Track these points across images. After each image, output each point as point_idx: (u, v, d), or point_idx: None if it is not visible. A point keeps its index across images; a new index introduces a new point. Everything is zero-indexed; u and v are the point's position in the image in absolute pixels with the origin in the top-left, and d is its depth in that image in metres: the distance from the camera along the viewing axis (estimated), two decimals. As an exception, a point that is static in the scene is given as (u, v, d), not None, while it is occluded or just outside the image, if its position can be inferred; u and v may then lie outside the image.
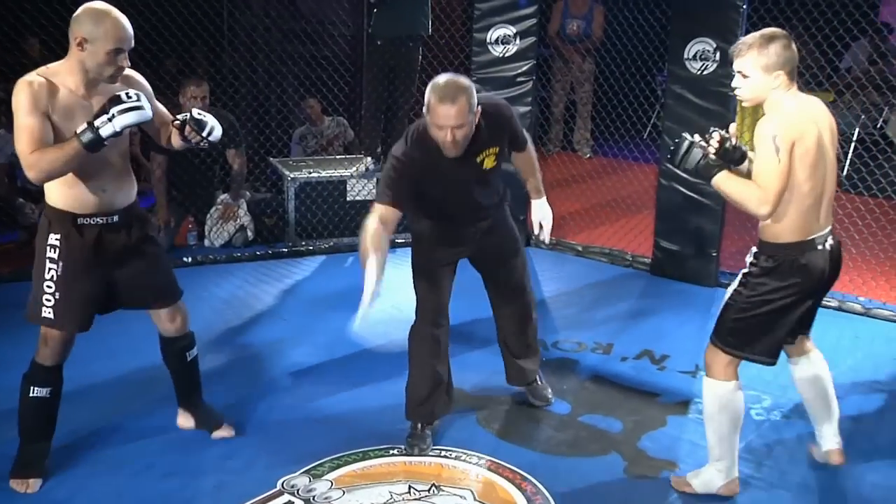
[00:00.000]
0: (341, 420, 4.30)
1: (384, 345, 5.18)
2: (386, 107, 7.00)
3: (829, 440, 3.87)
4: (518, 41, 6.60)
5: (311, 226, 6.77)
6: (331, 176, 6.80)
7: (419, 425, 4.09)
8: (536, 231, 4.30)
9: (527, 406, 4.47)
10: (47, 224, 3.56)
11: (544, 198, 4.30)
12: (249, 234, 6.75)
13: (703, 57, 5.87)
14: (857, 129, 8.88)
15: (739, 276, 3.61)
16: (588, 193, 8.04)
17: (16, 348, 4.95)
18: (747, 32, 6.03)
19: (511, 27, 6.59)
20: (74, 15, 3.34)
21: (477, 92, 3.71)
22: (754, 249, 3.57)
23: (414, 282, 4.15)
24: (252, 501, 3.63)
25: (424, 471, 3.88)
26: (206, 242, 6.71)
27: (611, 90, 7.86)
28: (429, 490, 3.73)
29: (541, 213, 4.28)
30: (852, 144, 8.86)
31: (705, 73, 5.89)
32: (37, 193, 6.70)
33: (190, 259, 6.49)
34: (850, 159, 8.78)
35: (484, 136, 3.81)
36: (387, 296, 5.84)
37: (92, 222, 3.56)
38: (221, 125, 6.34)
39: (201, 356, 4.52)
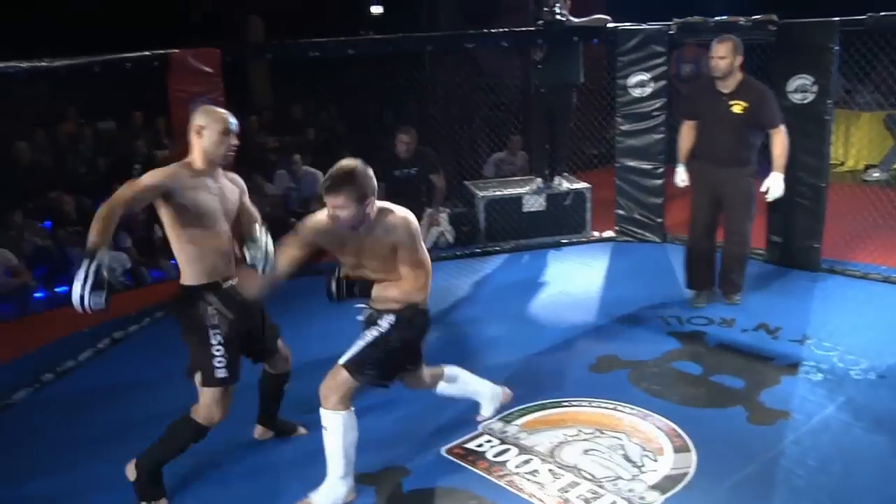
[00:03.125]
0: (526, 379, 4.32)
1: (556, 322, 5.19)
2: (549, 140, 6.98)
3: (486, 410, 3.89)
4: (652, 84, 6.45)
5: (496, 231, 6.81)
6: (511, 194, 6.85)
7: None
8: (763, 189, 5.03)
9: (667, 368, 4.40)
10: (198, 297, 3.20)
11: (779, 173, 4.99)
12: (450, 238, 6.87)
13: (802, 90, 5.56)
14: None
15: (383, 324, 3.27)
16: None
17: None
18: (840, 70, 5.73)
19: (646, 73, 6.45)
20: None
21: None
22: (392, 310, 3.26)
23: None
24: (461, 439, 3.73)
25: (589, 418, 3.87)
26: (418, 246, 6.88)
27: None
28: (593, 433, 3.74)
29: (771, 181, 5.00)
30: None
31: (805, 102, 5.59)
32: (302, 214, 7.10)
33: (407, 259, 6.66)
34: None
35: (740, 91, 4.88)
36: (555, 283, 5.90)
37: (227, 286, 3.26)
38: (427, 159, 6.47)
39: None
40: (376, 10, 16.02)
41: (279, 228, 6.82)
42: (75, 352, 4.91)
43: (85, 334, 5.22)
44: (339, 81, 7.74)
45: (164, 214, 3.16)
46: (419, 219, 6.77)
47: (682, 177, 5.21)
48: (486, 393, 3.90)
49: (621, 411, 3.92)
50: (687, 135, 5.16)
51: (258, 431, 3.84)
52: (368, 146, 8.19)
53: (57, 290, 6.81)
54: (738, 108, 4.89)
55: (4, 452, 3.89)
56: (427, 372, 3.64)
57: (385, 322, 3.28)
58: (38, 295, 6.59)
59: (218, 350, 3.18)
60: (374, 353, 3.25)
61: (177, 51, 5.61)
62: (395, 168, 6.81)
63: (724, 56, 4.83)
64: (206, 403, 3.24)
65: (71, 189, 7.54)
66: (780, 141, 4.94)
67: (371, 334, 3.28)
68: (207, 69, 5.70)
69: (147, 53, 5.45)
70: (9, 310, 6.38)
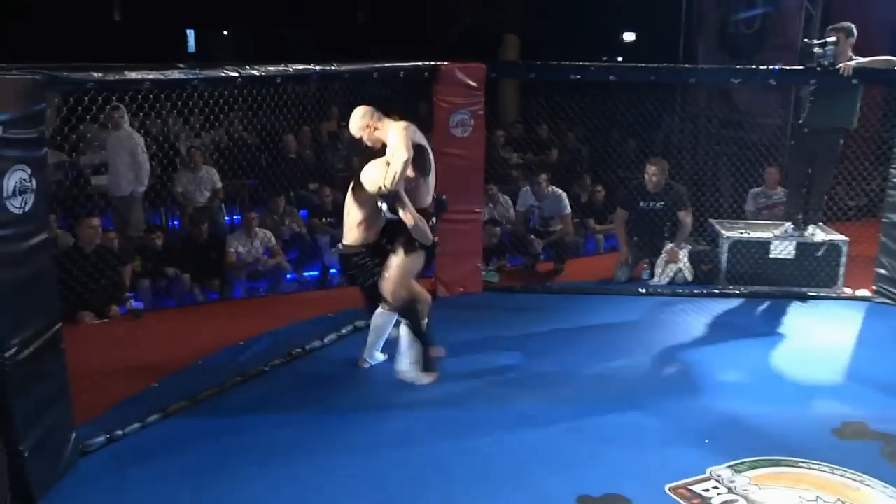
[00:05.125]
0: (760, 430, 4.15)
1: (796, 376, 4.91)
2: (807, 185, 6.62)
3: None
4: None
5: (738, 274, 6.55)
6: (758, 237, 6.55)
7: None
8: None
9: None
10: None
11: None
12: (688, 275, 6.69)
13: None
14: None
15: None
16: None
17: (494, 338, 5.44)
18: None
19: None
20: None
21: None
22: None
23: None
24: (687, 480, 3.65)
25: (830, 486, 3.64)
26: (655, 280, 6.78)
27: None
28: (834, 503, 3.51)
29: None
30: None
31: None
32: (543, 233, 7.28)
33: (643, 290, 6.59)
34: None
35: None
36: (798, 336, 5.56)
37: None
38: (676, 194, 6.36)
39: (645, 365, 4.65)
40: (629, 36, 16.02)
41: (518, 245, 7.12)
42: (322, 333, 5.35)
43: (330, 318, 5.68)
44: (584, 104, 7.78)
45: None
46: (659, 253, 6.71)
47: None
48: (375, 344, 4.77)
49: (870, 486, 3.64)
50: None
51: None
52: (610, 172, 8.23)
53: (306, 273, 7.44)
54: None
55: (261, 406, 4.43)
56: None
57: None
58: (289, 276, 7.22)
59: None
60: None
61: (446, 63, 5.94)
62: (642, 199, 6.78)
63: None
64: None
65: (326, 182, 8.19)
66: None
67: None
68: (472, 83, 6.00)
69: (419, 64, 5.83)
70: (262, 286, 7.06)
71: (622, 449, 3.95)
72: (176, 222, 8.12)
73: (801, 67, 6.26)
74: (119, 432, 3.99)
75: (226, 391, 4.60)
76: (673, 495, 3.55)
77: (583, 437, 4.07)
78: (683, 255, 6.71)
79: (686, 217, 6.73)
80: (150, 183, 7.47)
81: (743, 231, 6.67)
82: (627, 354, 5.21)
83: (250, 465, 3.79)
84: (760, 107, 8.51)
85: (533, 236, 7.16)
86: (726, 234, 6.60)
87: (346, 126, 9.72)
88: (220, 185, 8.06)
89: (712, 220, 7.07)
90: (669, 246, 6.74)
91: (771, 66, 6.37)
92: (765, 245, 6.52)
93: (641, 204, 6.78)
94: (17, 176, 3.22)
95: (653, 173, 6.70)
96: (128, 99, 4.16)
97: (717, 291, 6.52)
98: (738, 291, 6.50)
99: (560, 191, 7.27)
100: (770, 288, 6.49)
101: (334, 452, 3.90)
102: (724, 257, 6.56)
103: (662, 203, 6.74)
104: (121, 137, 7.25)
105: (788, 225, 6.58)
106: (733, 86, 8.01)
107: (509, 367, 4.95)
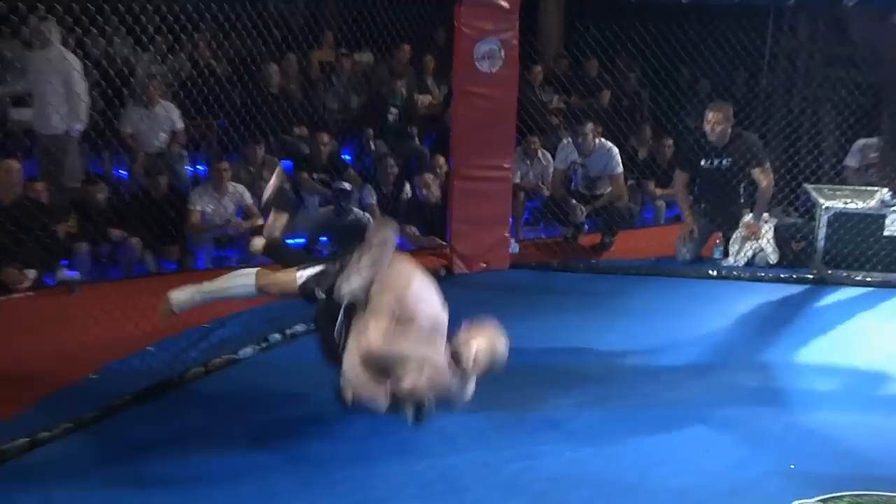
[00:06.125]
0: (861, 455, 4.12)
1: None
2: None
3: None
4: None
5: (840, 255, 6.52)
6: (869, 209, 6.49)
7: None
8: None
9: None
10: None
11: None
12: (772, 256, 6.65)
13: None
14: None
15: None
16: None
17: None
18: None
19: None
20: None
21: None
22: None
23: None
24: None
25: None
26: (729, 260, 6.73)
27: None
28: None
29: None
30: None
31: None
32: (590, 196, 7.23)
33: (715, 272, 6.59)
34: None
35: None
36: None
37: None
38: (745, 147, 6.21)
39: (714, 366, 4.71)
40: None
41: (557, 210, 7.09)
42: (306, 315, 5.30)
43: (317, 297, 5.67)
44: (646, 34, 7.69)
45: None
46: (735, 225, 6.64)
47: None
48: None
49: None
50: None
51: None
52: (678, 122, 8.17)
53: (288, 241, 7.41)
54: None
55: (230, 404, 4.48)
56: None
57: None
58: (266, 244, 7.20)
59: None
60: None
61: (472, -22, 5.91)
62: (704, 156, 6.70)
63: None
64: None
65: (318, 127, 8.17)
66: None
67: None
68: (504, 3, 5.95)
69: (438, -22, 5.80)
70: (233, 255, 7.06)
71: (680, 470, 3.92)
72: (124, 172, 8.14)
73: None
74: (45, 435, 3.98)
75: (184, 385, 4.62)
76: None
77: (630, 453, 4.06)
78: (767, 230, 6.66)
79: (763, 176, 6.63)
80: (90, 120, 7.44)
81: (850, 200, 6.61)
82: (691, 352, 5.21)
83: (215, 479, 3.77)
84: (883, 37, 8.34)
85: (574, 201, 7.12)
86: (826, 203, 6.55)
87: (344, 55, 9.71)
88: (180, 125, 8.07)
89: (808, 186, 7.00)
90: (748, 217, 6.67)
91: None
92: (877, 219, 6.46)
93: (703, 162, 6.70)
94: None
95: (715, 122, 6.60)
96: (60, 9, 4.07)
97: (810, 277, 6.50)
98: (839, 277, 6.47)
99: (610, 144, 7.21)
100: (883, 275, 6.45)
101: (324, 464, 3.91)
102: (821, 233, 6.53)
103: (730, 159, 6.65)
104: (50, 59, 7.18)
105: (885, 191, 6.53)
106: (847, 9, 7.85)
107: (540, 363, 4.94)
